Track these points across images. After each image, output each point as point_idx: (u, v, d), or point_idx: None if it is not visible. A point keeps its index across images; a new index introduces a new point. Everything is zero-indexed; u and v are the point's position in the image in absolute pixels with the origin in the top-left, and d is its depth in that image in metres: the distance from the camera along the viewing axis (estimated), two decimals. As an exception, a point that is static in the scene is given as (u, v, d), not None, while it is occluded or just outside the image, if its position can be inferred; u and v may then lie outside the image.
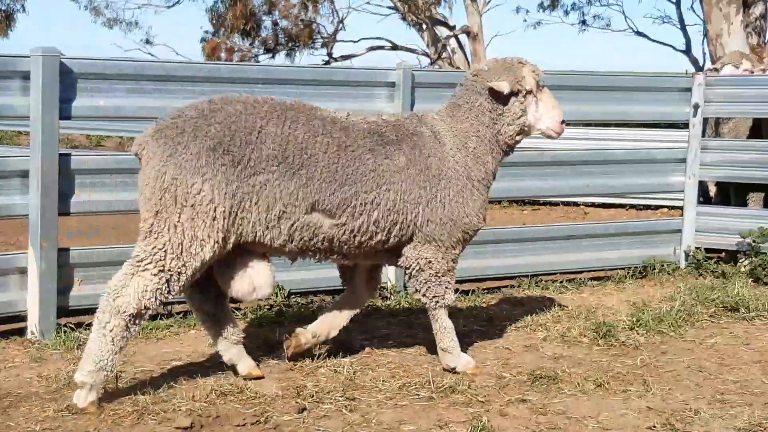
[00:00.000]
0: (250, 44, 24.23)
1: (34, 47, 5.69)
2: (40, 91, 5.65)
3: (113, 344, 4.40)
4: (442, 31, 22.84)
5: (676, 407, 4.70)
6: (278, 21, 24.30)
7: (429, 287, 5.10)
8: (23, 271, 5.86)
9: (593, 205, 13.23)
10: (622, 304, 6.93)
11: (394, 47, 23.89)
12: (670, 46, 26.24)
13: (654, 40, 26.96)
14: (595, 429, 4.42)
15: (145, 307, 4.44)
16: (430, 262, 5.04)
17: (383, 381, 5.01)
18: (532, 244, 7.64)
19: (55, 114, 5.73)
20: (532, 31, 29.94)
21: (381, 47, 23.95)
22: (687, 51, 25.03)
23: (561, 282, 7.55)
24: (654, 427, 4.43)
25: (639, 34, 27.16)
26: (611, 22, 29.57)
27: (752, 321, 6.42)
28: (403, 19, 23.75)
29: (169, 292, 4.50)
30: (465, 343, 5.79)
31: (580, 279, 7.70)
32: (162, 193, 4.44)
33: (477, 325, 6.30)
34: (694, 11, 22.19)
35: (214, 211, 4.47)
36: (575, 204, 13.28)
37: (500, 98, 5.07)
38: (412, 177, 4.91)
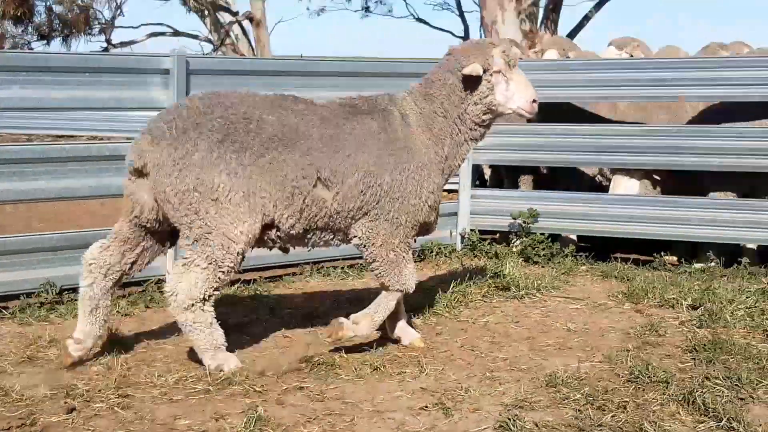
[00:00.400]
0: (23, 31, 23.17)
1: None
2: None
3: (205, 328, 4.93)
4: (225, 17, 22.62)
5: (449, 386, 4.84)
6: (53, 6, 23.38)
7: (380, 275, 5.30)
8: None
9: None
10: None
11: (176, 33, 23.50)
12: (450, 32, 26.98)
13: (434, 27, 27.65)
14: (370, 412, 4.48)
15: (203, 293, 4.86)
16: (368, 243, 5.22)
17: (159, 376, 4.91)
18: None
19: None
20: (316, 17, 30.05)
21: (162, 33, 23.49)
22: (466, 37, 25.80)
23: (343, 268, 7.62)
24: (426, 407, 4.54)
25: (420, 20, 27.76)
26: (393, 8, 30.11)
27: (522, 299, 6.69)
28: (185, 4, 23.35)
29: (215, 280, 4.88)
30: (246, 333, 5.78)
31: (362, 264, 7.77)
32: (189, 195, 4.76)
33: (258, 315, 6.28)
34: (472, -1, 22.86)
35: (236, 197, 4.82)
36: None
37: (471, 78, 5.21)
38: (383, 142, 5.18)
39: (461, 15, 26.00)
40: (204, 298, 4.89)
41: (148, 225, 5.05)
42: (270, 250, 5.32)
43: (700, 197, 7.88)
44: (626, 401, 4.53)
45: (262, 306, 6.54)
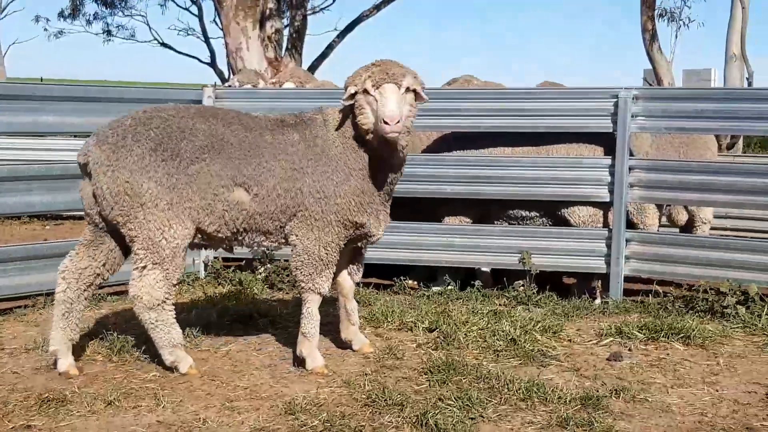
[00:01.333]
0: None
1: None
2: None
3: (165, 327, 5.41)
4: (-46, 36, 21.33)
5: (186, 418, 4.74)
6: None
7: (299, 267, 5.62)
8: None
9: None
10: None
11: None
12: (196, 58, 26.76)
13: (180, 52, 27.34)
14: (103, 449, 4.32)
15: (163, 295, 5.35)
16: (303, 240, 5.58)
17: None
18: (47, 261, 7.29)
19: None
20: (55, 40, 28.89)
21: None
22: (212, 63, 25.66)
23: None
24: (162, 441, 4.43)
25: (165, 45, 27.34)
26: (136, 32, 29.49)
27: (265, 327, 6.66)
28: None
29: (170, 277, 5.34)
30: (-33, 371, 5.43)
31: (100, 294, 7.49)
32: (121, 197, 5.21)
33: (-17, 351, 5.91)
34: (217, 24, 22.69)
35: (161, 203, 5.24)
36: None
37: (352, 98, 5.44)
38: (302, 150, 5.55)
39: (207, 41, 25.89)
40: (165, 299, 5.37)
41: (100, 224, 5.48)
42: (210, 250, 5.90)
43: (436, 223, 8.17)
44: (363, 425, 4.61)
45: (-12, 341, 6.18)
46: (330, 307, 6.61)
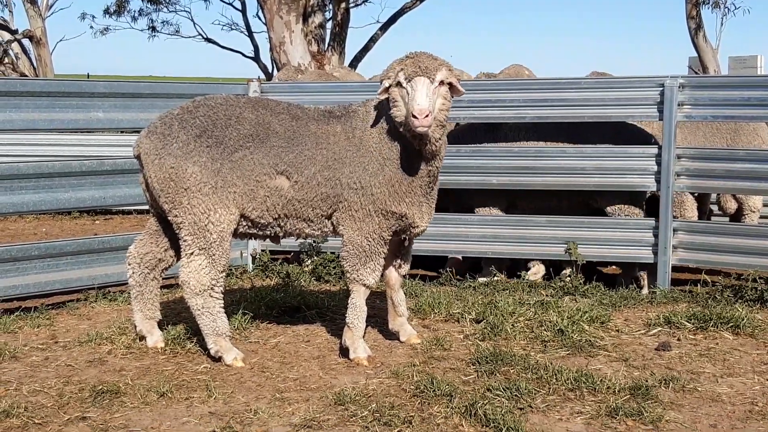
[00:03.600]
0: None
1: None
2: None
3: (211, 314, 5.54)
4: (3, 36, 21.65)
5: (238, 409, 4.80)
6: None
7: (345, 258, 5.75)
8: None
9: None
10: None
11: (-50, 52, 22.24)
12: (240, 52, 26.84)
13: (224, 47, 27.42)
14: (157, 440, 4.40)
15: (210, 280, 5.49)
16: (347, 230, 5.70)
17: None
18: (98, 255, 7.43)
19: None
20: (101, 36, 29.20)
21: (-66, 51, 22.19)
22: (256, 58, 25.75)
23: (130, 292, 7.42)
24: (214, 431, 4.49)
25: (209, 40, 27.47)
26: (180, 28, 29.74)
27: (313, 319, 6.72)
28: (-38, 21, 22.20)
29: (216, 264, 5.49)
30: (25, 363, 5.56)
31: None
32: (167, 183, 5.38)
33: (38, 344, 6.03)
34: (260, 19, 22.80)
35: (205, 188, 5.39)
36: (148, 212, 13.13)
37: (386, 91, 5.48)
38: (342, 141, 5.65)
39: (250, 35, 25.96)
40: (212, 285, 5.51)
41: (162, 213, 5.67)
42: (261, 240, 6.00)
43: (483, 215, 8.18)
44: (412, 416, 4.64)
45: (43, 333, 6.29)
46: (378, 298, 6.66)
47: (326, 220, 5.78)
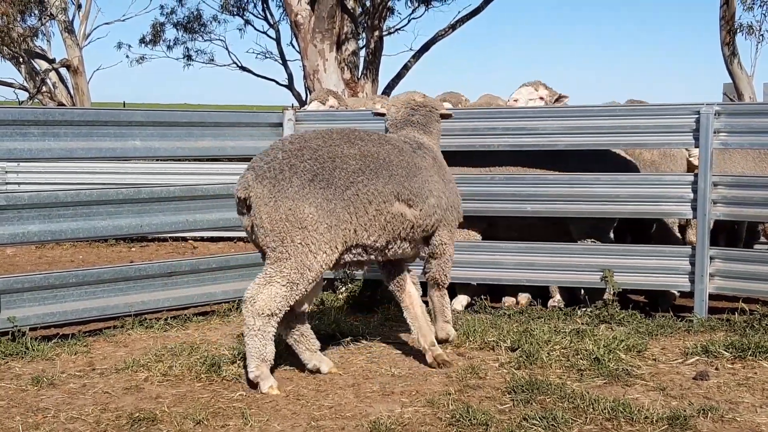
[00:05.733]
0: None
1: None
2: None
3: (263, 339, 5.57)
4: (41, 65, 21.95)
5: (273, 437, 4.81)
6: None
7: (443, 269, 6.47)
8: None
9: (202, 239, 13.30)
10: (226, 338, 7.00)
11: (-12, 80, 22.56)
12: (274, 80, 27.01)
13: (258, 75, 27.59)
14: (193, 467, 4.41)
15: (277, 309, 5.57)
16: (444, 243, 6.41)
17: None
18: (134, 282, 7.49)
19: None
20: (137, 65, 29.55)
21: (-28, 81, 22.53)
22: (290, 86, 25.91)
23: (166, 319, 7.49)
24: (251, 459, 4.50)
25: (243, 69, 27.69)
26: (215, 56, 30.00)
27: (347, 346, 6.73)
28: (-1, 51, 22.51)
29: (291, 298, 5.62)
30: (62, 390, 5.59)
31: (186, 315, 7.69)
32: (281, 223, 5.54)
33: (76, 371, 6.08)
34: (294, 47, 22.96)
35: (321, 227, 5.60)
36: (184, 239, 13.27)
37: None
38: (434, 171, 6.34)
39: (284, 63, 26.15)
40: (276, 313, 5.59)
41: (258, 245, 5.84)
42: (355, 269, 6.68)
43: (516, 242, 8.15)
44: (448, 445, 4.62)
45: (80, 360, 6.34)
46: (397, 324, 6.65)
47: (423, 240, 6.38)
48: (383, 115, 6.87)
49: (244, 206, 5.73)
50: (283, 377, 5.91)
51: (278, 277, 5.57)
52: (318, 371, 6.03)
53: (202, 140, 7.87)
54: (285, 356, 6.35)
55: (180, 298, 7.81)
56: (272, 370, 5.83)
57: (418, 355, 6.32)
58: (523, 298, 8.32)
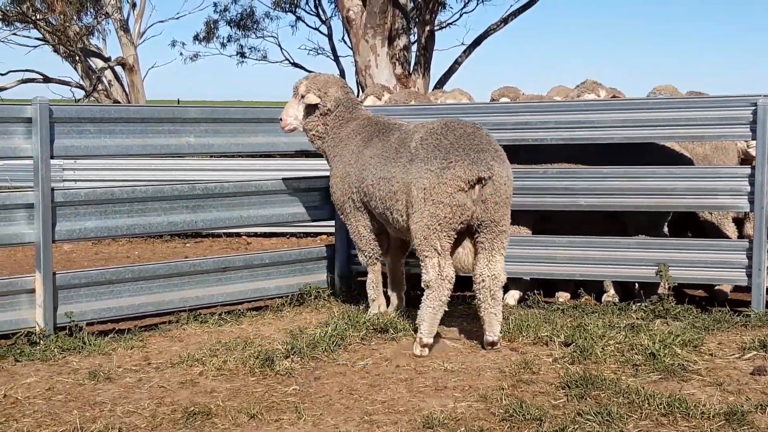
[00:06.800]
0: None
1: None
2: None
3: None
4: (97, 63, 22.25)
5: (327, 431, 4.82)
6: None
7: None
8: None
9: (255, 235, 13.38)
10: (279, 332, 7.04)
11: (47, 80, 22.94)
12: (326, 76, 26.99)
13: (310, 71, 27.61)
14: (247, 461, 4.44)
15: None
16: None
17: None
18: (189, 278, 7.57)
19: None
20: (190, 62, 29.79)
21: (33, 80, 22.92)
22: (342, 82, 25.92)
23: (220, 314, 7.55)
24: (304, 453, 4.53)
25: (295, 65, 27.79)
26: (268, 53, 30.09)
27: (400, 341, 6.73)
28: (56, 51, 22.87)
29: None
30: (118, 385, 5.66)
31: (239, 310, 7.75)
32: (510, 198, 6.54)
33: (132, 365, 6.15)
34: (345, 43, 23.00)
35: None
36: (238, 235, 13.36)
37: None
38: None
39: (336, 59, 26.19)
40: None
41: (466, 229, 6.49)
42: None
43: (571, 236, 8.08)
44: (501, 440, 4.61)
45: (136, 355, 6.42)
46: (465, 321, 6.64)
47: None
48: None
49: (478, 184, 6.29)
50: (336, 372, 5.93)
51: (503, 249, 6.50)
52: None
53: (255, 136, 7.93)
54: (338, 351, 6.37)
55: (234, 294, 7.86)
56: (326, 363, 5.84)
57: (471, 350, 6.30)
58: (563, 296, 8.24)
